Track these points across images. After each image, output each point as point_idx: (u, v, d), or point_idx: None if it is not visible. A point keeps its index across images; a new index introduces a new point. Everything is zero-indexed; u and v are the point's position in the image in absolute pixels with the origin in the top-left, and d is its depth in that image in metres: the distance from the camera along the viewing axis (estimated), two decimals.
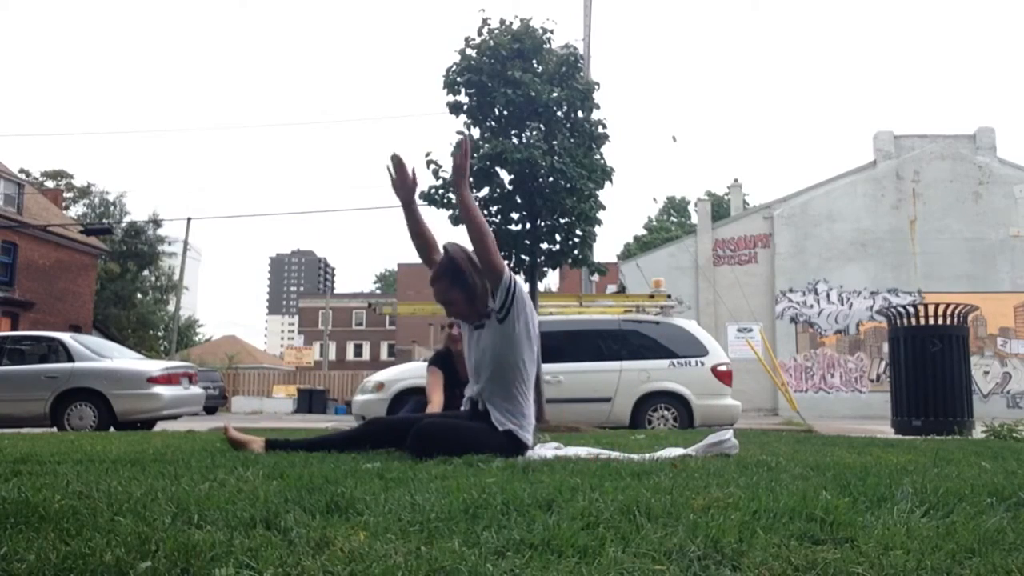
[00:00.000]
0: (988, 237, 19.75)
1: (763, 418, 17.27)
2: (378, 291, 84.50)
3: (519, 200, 10.21)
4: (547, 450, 3.35)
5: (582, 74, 11.04)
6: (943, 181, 20.02)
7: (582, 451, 3.33)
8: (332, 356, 59.75)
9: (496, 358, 3.18)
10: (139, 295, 45.68)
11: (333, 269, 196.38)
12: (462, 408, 3.41)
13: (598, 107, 10.84)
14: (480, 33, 10.58)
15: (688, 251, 20.87)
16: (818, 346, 19.85)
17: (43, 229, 27.51)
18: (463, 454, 2.94)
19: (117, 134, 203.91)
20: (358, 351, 66.59)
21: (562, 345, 9.85)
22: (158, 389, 9.74)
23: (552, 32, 10.84)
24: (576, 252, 10.55)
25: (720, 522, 1.60)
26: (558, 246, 10.37)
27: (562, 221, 10.29)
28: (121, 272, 42.77)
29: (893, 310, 8.56)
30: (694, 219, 31.17)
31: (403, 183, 3.39)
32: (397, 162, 3.39)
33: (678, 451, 3.32)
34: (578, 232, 10.32)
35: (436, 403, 4.66)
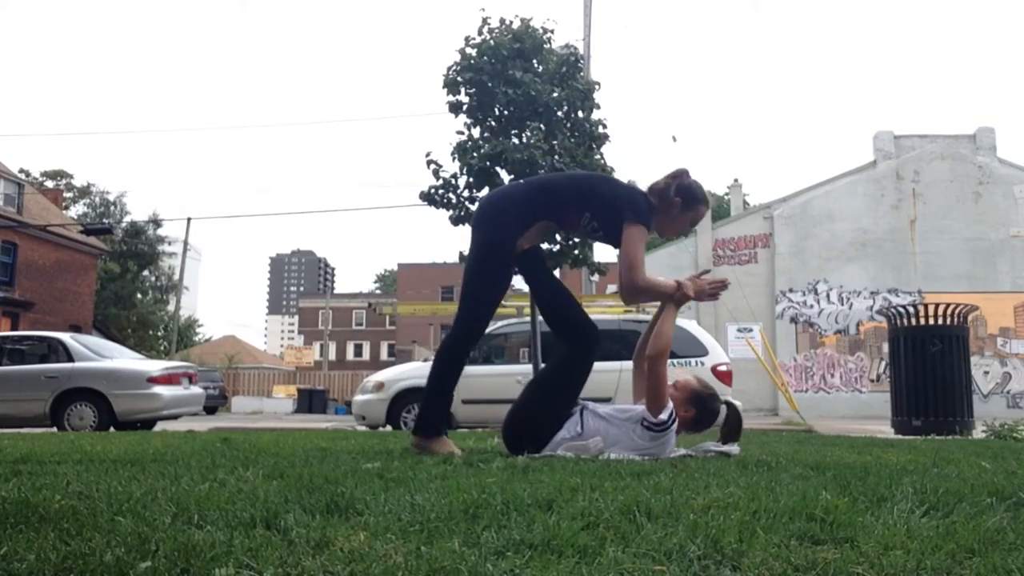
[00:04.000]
0: (988, 237, 19.74)
1: (763, 418, 17.27)
2: (378, 291, 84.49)
3: None
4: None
5: (582, 74, 11.05)
6: (943, 181, 20.02)
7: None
8: (332, 356, 59.77)
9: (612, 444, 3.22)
10: (139, 295, 45.67)
11: (333, 269, 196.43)
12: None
13: (598, 107, 10.85)
14: (480, 33, 10.58)
15: (688, 251, 20.86)
16: (818, 346, 19.85)
17: (43, 229, 27.51)
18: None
19: (117, 134, 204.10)
20: (358, 351, 66.61)
21: None
22: (158, 389, 9.74)
23: (552, 32, 10.85)
24: (576, 252, 10.55)
25: (720, 522, 1.60)
26: (558, 246, 10.37)
27: None
28: (121, 272, 42.77)
29: (893, 310, 8.56)
30: None
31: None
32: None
33: (679, 451, 3.32)
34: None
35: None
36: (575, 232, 3.55)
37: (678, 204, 3.38)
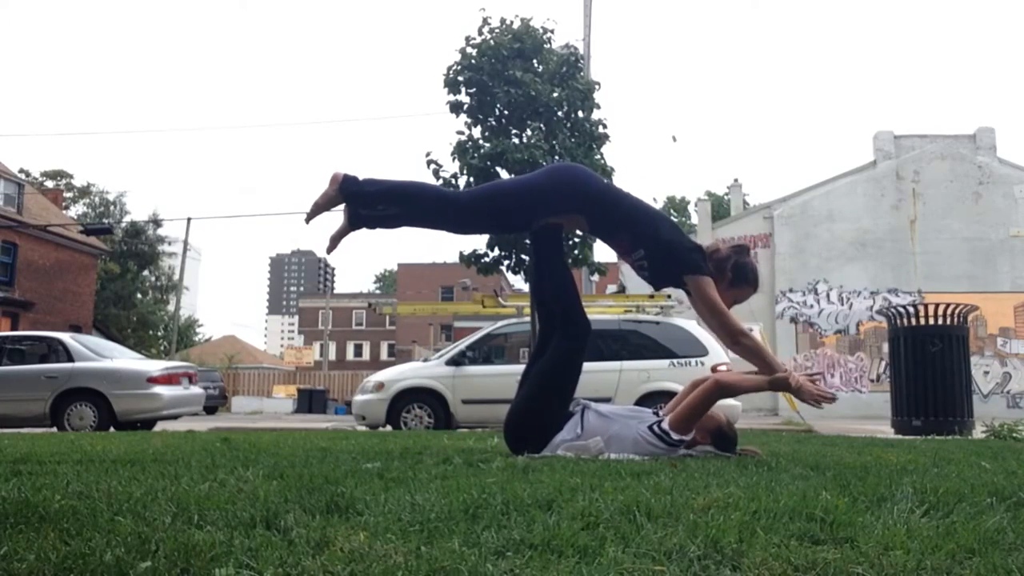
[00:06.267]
0: (988, 237, 19.74)
1: (763, 418, 17.27)
2: (378, 291, 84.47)
3: None
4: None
5: (582, 74, 11.05)
6: (943, 181, 20.02)
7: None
8: (332, 356, 59.73)
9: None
10: (139, 295, 45.67)
11: (333, 269, 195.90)
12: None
13: (598, 107, 10.86)
14: (480, 33, 10.59)
15: None
16: (818, 346, 19.85)
17: (43, 229, 27.50)
18: None
19: (117, 134, 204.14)
20: (358, 351, 66.57)
21: None
22: (158, 389, 9.74)
23: (552, 32, 10.86)
24: (576, 252, 10.55)
25: (720, 522, 1.60)
26: None
27: None
28: (121, 272, 42.75)
29: (893, 310, 8.56)
30: (694, 219, 31.16)
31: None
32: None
33: (679, 451, 3.32)
34: (578, 232, 10.33)
35: None
36: (615, 249, 3.52)
37: (728, 279, 3.37)
